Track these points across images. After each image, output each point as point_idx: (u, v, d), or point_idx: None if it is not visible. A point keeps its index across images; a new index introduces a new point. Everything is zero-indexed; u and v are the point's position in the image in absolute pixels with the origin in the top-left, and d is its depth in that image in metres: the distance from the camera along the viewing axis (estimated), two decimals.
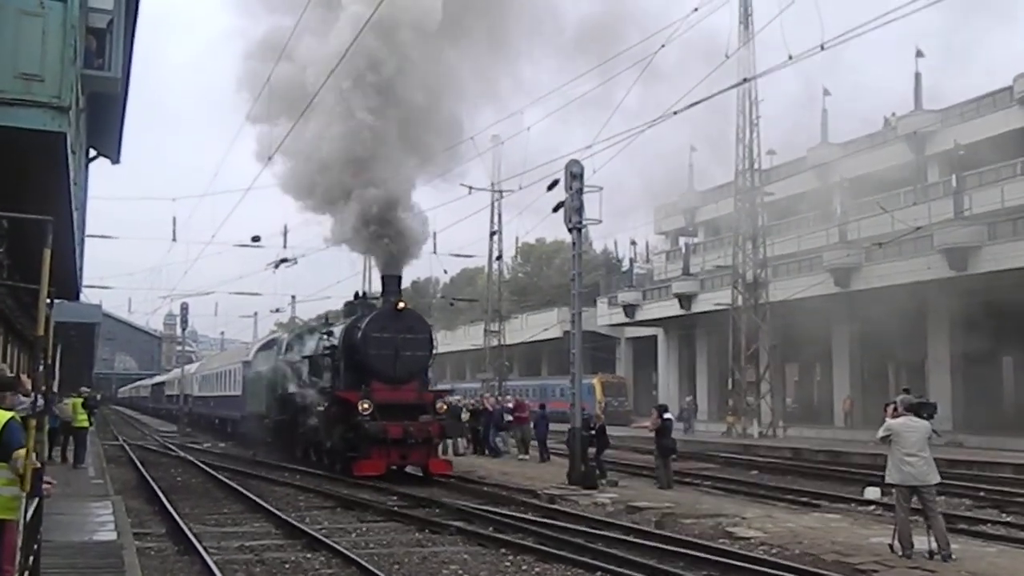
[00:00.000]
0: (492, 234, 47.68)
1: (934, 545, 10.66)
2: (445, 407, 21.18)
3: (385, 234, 21.17)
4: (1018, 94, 37.44)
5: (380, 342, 20.17)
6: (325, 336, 22.92)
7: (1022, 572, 9.92)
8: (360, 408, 19.02)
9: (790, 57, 17.77)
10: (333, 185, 21.69)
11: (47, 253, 6.07)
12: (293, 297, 64.51)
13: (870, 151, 43.70)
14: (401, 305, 20.87)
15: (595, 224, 20.84)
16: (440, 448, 22.00)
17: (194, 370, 51.77)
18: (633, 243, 61.42)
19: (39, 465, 5.89)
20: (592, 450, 19.46)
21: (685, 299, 47.07)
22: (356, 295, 24.30)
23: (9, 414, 6.08)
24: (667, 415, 19.86)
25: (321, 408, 21.42)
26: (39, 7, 7.94)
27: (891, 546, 11.04)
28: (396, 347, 20.15)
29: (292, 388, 24.64)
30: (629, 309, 52.65)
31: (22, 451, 5.87)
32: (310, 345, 24.41)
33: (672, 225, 57.65)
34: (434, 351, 22.07)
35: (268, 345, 32.31)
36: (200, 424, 45.97)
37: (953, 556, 10.52)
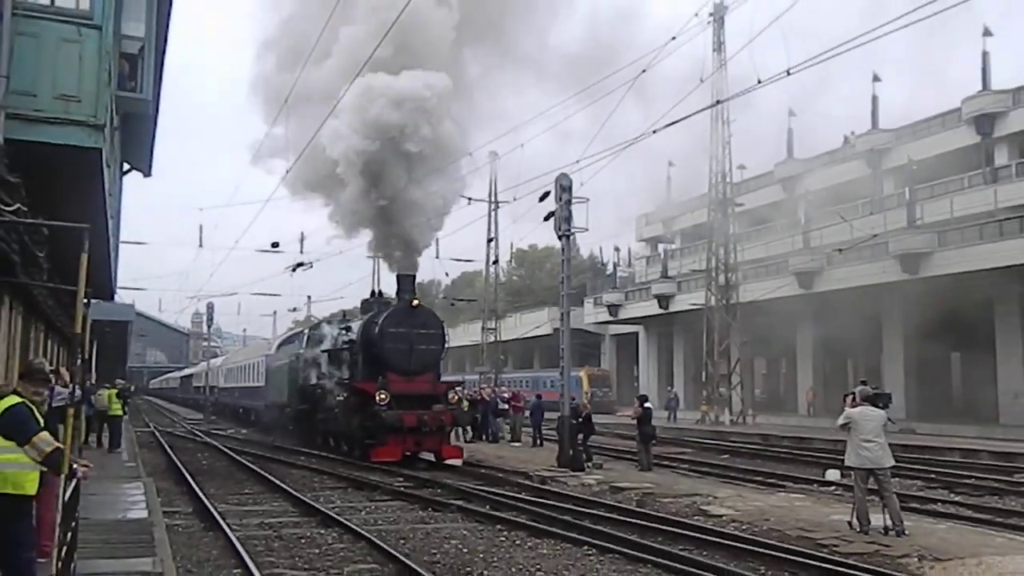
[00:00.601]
0: (489, 241, 47.59)
1: (889, 522, 10.70)
2: (456, 397, 20.69)
3: (401, 239, 20.95)
4: (966, 115, 37.55)
5: (396, 337, 19.80)
6: (343, 331, 22.62)
7: (968, 546, 9.90)
8: (377, 398, 18.67)
9: (759, 81, 17.74)
10: (357, 198, 21.34)
11: (84, 258, 6.06)
12: (309, 297, 64.56)
13: (831, 166, 43.89)
14: (416, 303, 20.57)
15: (582, 232, 20.78)
16: (452, 435, 21.45)
17: (219, 363, 51.16)
18: (617, 249, 61.73)
19: (60, 446, 5.85)
20: (580, 436, 19.51)
21: (663, 300, 47.11)
22: (372, 293, 23.83)
23: (15, 399, 5.99)
24: (647, 404, 19.86)
25: (340, 398, 21.09)
26: (77, 35, 7.92)
27: (850, 523, 11.08)
28: (411, 341, 19.81)
29: (312, 379, 24.27)
30: (613, 309, 52.71)
31: (43, 435, 5.84)
32: (329, 340, 23.94)
33: (652, 233, 57.75)
34: (446, 345, 21.76)
35: (289, 340, 31.85)
36: (225, 413, 45.50)
37: (906, 532, 10.55)
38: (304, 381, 25.29)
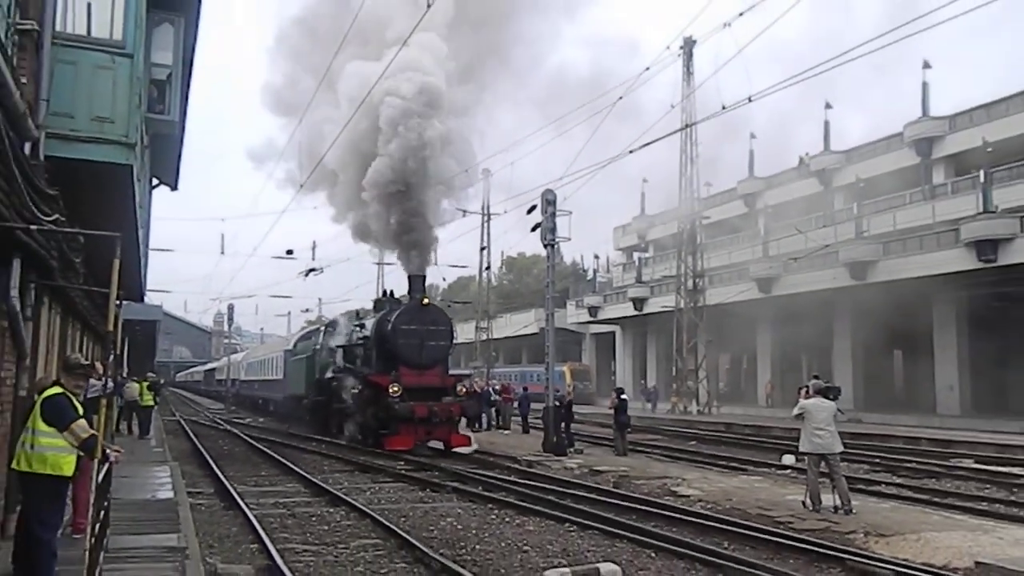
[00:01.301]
0: (482, 249, 47.57)
1: (838, 502, 10.73)
2: (465, 390, 20.10)
3: (413, 244, 20.47)
4: (907, 139, 37.81)
5: (408, 333, 19.27)
6: (357, 328, 22.09)
7: (909, 523, 9.94)
8: (391, 391, 18.19)
9: (723, 107, 17.81)
10: (373, 207, 21.00)
11: (116, 263, 6.03)
12: (320, 299, 64.79)
13: (788, 183, 44.07)
14: (426, 301, 20.07)
15: (565, 241, 20.81)
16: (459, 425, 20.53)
17: (240, 358, 50.54)
18: (596, 257, 61.87)
19: (95, 433, 5.84)
20: (563, 424, 19.47)
21: (638, 302, 47.15)
22: (384, 293, 23.12)
23: (57, 389, 6.01)
24: (623, 396, 19.88)
25: (356, 390, 20.41)
26: (111, 62, 7.88)
27: (804, 503, 11.11)
28: (422, 337, 19.29)
29: (328, 373, 23.63)
30: (593, 310, 52.71)
31: (80, 422, 5.83)
32: (344, 336, 23.44)
33: (628, 242, 57.81)
34: (454, 341, 21.07)
35: (307, 336, 31.04)
36: (245, 404, 44.96)
37: (853, 511, 10.59)
38: (320, 374, 24.74)
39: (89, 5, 7.99)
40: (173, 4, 10.36)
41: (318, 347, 25.87)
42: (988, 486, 14.87)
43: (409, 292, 20.62)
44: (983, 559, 8.22)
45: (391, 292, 22.56)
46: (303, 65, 23.86)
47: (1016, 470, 16.78)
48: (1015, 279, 29.91)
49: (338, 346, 23.45)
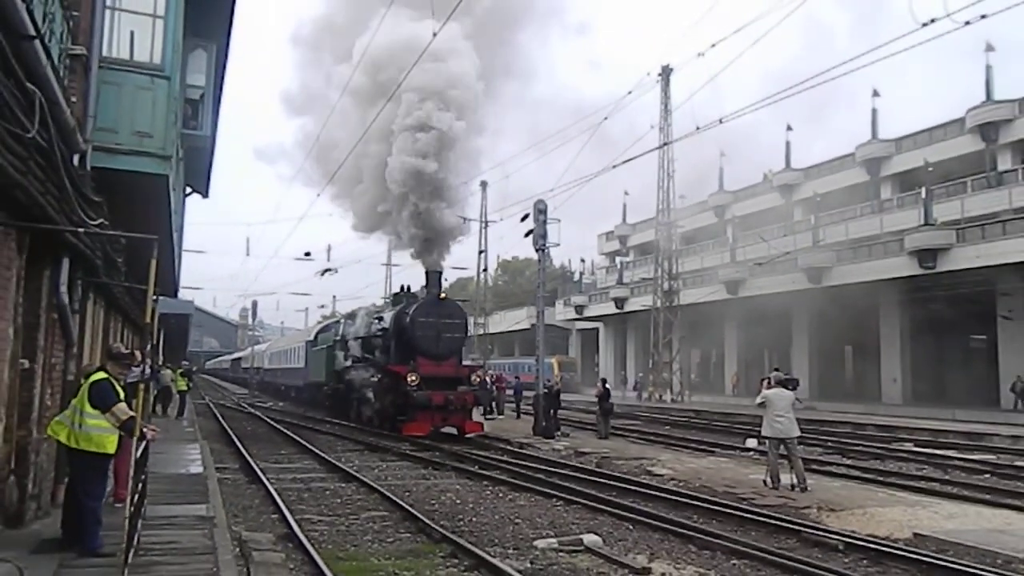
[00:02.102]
0: (480, 253, 47.50)
1: (795, 480, 10.77)
2: (478, 379, 19.17)
3: (432, 241, 19.45)
4: (859, 158, 37.95)
5: (425, 325, 18.39)
6: (376, 321, 21.09)
7: (856, 499, 9.99)
8: (409, 380, 17.34)
9: (697, 128, 17.91)
10: (393, 204, 19.89)
11: (153, 263, 6.04)
12: (334, 297, 64.78)
13: (752, 197, 44.17)
14: (443, 295, 19.26)
15: (555, 246, 20.84)
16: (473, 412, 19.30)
17: (265, 348, 49.79)
18: (583, 260, 62.09)
19: (133, 414, 5.89)
20: (551, 411, 19.44)
21: (619, 302, 47.19)
22: (402, 288, 21.80)
23: (102, 375, 6.06)
24: (607, 385, 19.90)
25: (375, 379, 19.62)
26: (150, 83, 7.90)
27: (765, 481, 11.14)
28: (438, 330, 18.45)
29: (348, 362, 22.70)
30: (579, 308, 52.75)
31: (121, 405, 5.89)
32: (364, 328, 22.46)
33: (610, 248, 57.86)
34: (468, 333, 20.18)
35: (327, 328, 30.07)
36: (269, 390, 44.31)
37: (808, 488, 10.63)
38: (341, 364, 23.83)
39: (132, 33, 8.00)
40: (207, 32, 10.37)
41: (338, 338, 25.02)
42: (925, 466, 14.91)
43: (426, 286, 19.69)
44: (921, 531, 8.28)
45: (408, 287, 21.54)
46: (321, 68, 23.26)
47: (950, 452, 16.88)
48: (951, 284, 30.11)
49: (357, 337, 22.56)
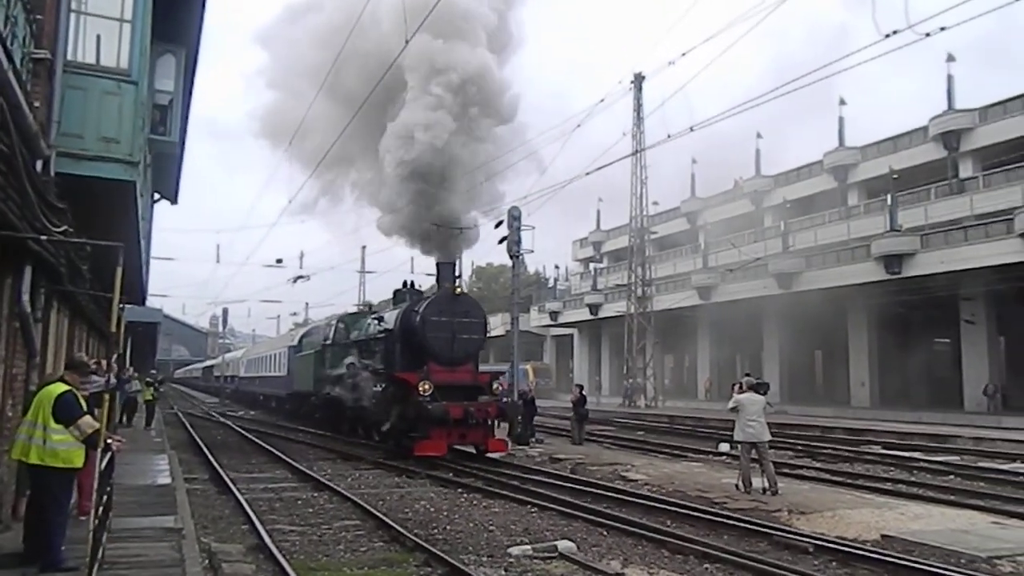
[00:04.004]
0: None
1: (766, 484, 10.87)
2: (500, 388, 16.25)
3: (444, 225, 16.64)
4: (827, 166, 38.61)
5: (438, 325, 15.71)
6: (375, 321, 18.22)
7: (826, 502, 10.11)
8: (421, 389, 14.59)
9: (668, 136, 18.08)
10: (397, 187, 17.29)
11: (119, 270, 5.94)
12: (307, 304, 63.94)
13: (724, 203, 44.68)
14: (458, 290, 16.59)
15: (529, 253, 20.87)
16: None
17: (240, 355, 46.99)
18: (557, 267, 62.25)
19: (98, 426, 5.78)
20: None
21: (593, 308, 47.40)
22: (404, 283, 19.10)
23: (63, 387, 5.93)
24: (583, 391, 19.94)
25: (378, 388, 16.63)
26: (117, 88, 7.78)
27: (737, 485, 11.22)
28: (453, 330, 15.72)
29: (341, 369, 19.51)
30: (553, 315, 52.91)
31: (86, 418, 5.78)
32: (360, 330, 19.67)
33: (584, 254, 58.14)
34: (488, 335, 17.30)
35: (313, 331, 26.94)
36: (245, 400, 41.47)
37: (779, 492, 10.74)
38: (331, 370, 20.68)
39: (98, 37, 7.88)
40: (176, 36, 10.24)
41: (328, 342, 22.12)
42: (892, 468, 15.16)
43: (438, 280, 17.07)
44: (888, 532, 8.40)
45: (411, 283, 19.08)
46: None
47: (916, 454, 17.15)
48: (916, 289, 30.70)
49: (353, 340, 19.71)
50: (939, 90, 33.16)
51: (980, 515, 9.55)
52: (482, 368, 17.48)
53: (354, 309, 28.42)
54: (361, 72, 17.29)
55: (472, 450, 15.41)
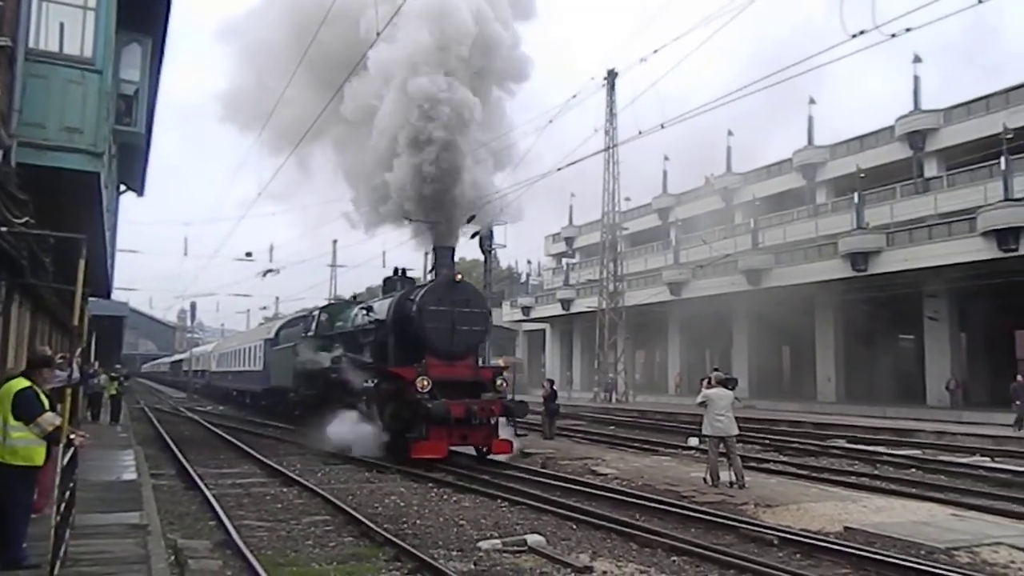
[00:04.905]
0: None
1: (734, 478, 10.96)
2: (505, 384, 14.77)
3: (439, 205, 15.20)
4: (795, 164, 39.10)
5: (437, 315, 14.25)
6: (364, 312, 16.86)
7: (791, 495, 10.28)
8: (418, 386, 13.34)
9: (640, 132, 18.19)
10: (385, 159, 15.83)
11: (82, 263, 5.85)
12: (277, 298, 63.28)
13: (695, 200, 45.08)
14: (458, 277, 15.02)
15: (501, 248, 20.86)
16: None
17: (211, 348, 44.76)
18: (529, 262, 62.34)
19: (59, 423, 5.68)
20: None
21: (565, 303, 47.57)
22: (395, 271, 17.78)
23: (24, 383, 5.80)
24: (554, 386, 19.97)
25: (369, 384, 15.03)
26: (80, 77, 7.64)
27: (705, 479, 11.32)
28: (453, 321, 14.28)
29: (325, 363, 17.88)
30: (525, 310, 52.97)
31: (47, 415, 5.67)
32: (345, 321, 18.25)
33: (557, 249, 58.30)
34: (490, 327, 16.04)
35: (293, 323, 25.16)
36: (215, 396, 39.56)
37: (746, 485, 10.85)
38: (313, 365, 18.95)
39: (62, 24, 7.73)
40: (142, 25, 10.07)
41: (310, 334, 20.40)
42: (856, 462, 15.42)
43: (435, 267, 15.54)
44: (851, 524, 8.57)
45: (403, 271, 17.66)
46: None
47: (879, 448, 17.51)
48: (881, 286, 31.30)
49: (338, 332, 18.20)
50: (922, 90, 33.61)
51: (940, 507, 9.78)
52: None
53: (325, 303, 27.90)
54: (337, 39, 16.44)
55: (472, 451, 14.19)
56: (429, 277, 15.99)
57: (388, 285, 17.70)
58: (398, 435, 14.04)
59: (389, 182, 15.75)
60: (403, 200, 15.66)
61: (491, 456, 13.92)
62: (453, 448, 13.74)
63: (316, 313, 21.14)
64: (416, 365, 13.82)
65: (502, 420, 14.23)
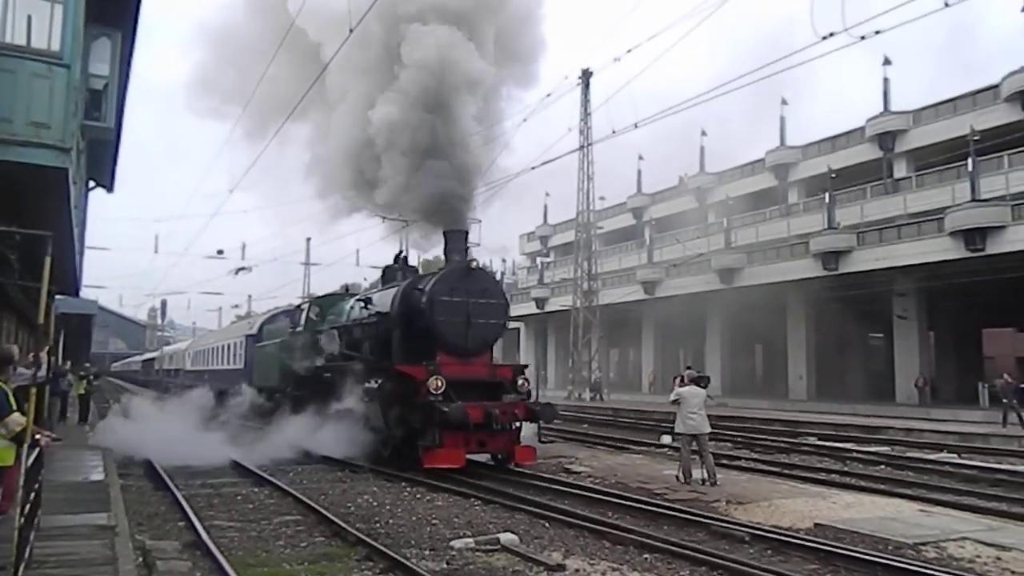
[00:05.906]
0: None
1: (706, 475, 11.06)
2: (526, 385, 13.26)
3: (449, 189, 13.75)
4: (768, 164, 39.56)
5: (450, 307, 12.77)
6: (362, 304, 15.33)
7: (763, 492, 10.41)
8: (431, 387, 11.89)
9: (613, 131, 18.30)
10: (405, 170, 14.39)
11: (48, 260, 5.74)
12: (249, 296, 62.64)
13: (669, 200, 45.44)
14: (473, 264, 13.42)
15: (475, 247, 20.69)
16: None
17: (185, 346, 42.44)
18: (504, 260, 62.07)
19: (24, 424, 5.60)
20: None
21: (540, 302, 47.70)
22: (396, 258, 16.23)
23: None
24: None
25: (372, 384, 13.34)
26: (48, 71, 7.50)
27: (677, 476, 11.42)
28: (468, 313, 12.82)
29: (317, 362, 16.20)
30: None
31: (14, 416, 5.59)
32: (339, 314, 16.80)
33: (532, 248, 58.40)
34: (508, 321, 14.63)
35: (277, 318, 23.10)
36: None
37: (718, 483, 10.96)
38: (303, 363, 17.06)
39: (29, 17, 7.57)
40: (112, 19, 9.90)
41: (299, 328, 18.50)
42: (827, 459, 15.69)
43: (446, 253, 13.94)
44: (821, 520, 8.71)
45: (405, 257, 16.18)
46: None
47: (849, 445, 17.80)
48: (852, 285, 31.80)
49: (333, 328, 16.37)
50: (901, 90, 34.20)
51: (908, 503, 9.97)
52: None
53: (299, 301, 27.39)
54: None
55: (489, 460, 12.83)
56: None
57: (388, 275, 15.96)
58: (405, 442, 12.61)
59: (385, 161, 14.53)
60: (405, 187, 14.28)
61: (514, 466, 12.48)
62: (470, 456, 12.21)
63: (305, 306, 19.36)
64: (426, 363, 12.35)
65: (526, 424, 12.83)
